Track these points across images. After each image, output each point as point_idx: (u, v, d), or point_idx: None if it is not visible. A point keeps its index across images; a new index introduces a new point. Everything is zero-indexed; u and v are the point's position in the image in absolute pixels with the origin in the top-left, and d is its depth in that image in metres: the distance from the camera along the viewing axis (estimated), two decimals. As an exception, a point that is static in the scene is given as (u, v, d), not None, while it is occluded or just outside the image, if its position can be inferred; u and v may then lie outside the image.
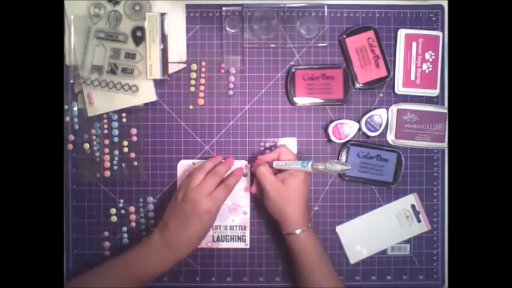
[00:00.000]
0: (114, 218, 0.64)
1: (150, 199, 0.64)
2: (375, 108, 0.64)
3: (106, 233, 0.64)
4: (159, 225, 0.57)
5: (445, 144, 0.63)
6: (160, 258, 0.55)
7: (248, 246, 0.64)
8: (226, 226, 0.64)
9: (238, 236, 0.64)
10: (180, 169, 0.63)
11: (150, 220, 0.64)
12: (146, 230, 0.64)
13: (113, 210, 0.63)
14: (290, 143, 0.63)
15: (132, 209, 0.64)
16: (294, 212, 0.55)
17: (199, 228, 0.55)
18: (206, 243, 0.63)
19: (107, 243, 0.63)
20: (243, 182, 0.63)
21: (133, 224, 0.64)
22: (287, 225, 0.55)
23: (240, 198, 0.64)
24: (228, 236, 0.64)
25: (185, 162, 0.63)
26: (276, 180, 0.55)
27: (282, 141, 0.64)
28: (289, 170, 0.55)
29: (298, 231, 0.54)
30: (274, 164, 0.57)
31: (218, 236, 0.64)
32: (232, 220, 0.64)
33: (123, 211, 0.64)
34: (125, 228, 0.64)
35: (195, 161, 0.63)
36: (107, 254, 0.63)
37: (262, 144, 0.64)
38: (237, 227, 0.64)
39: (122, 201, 0.64)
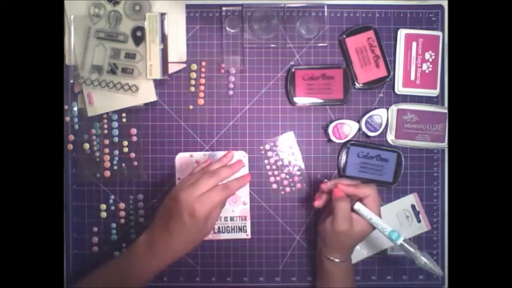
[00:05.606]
0: (103, 214, 0.63)
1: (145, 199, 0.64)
2: (375, 108, 0.64)
3: (106, 233, 0.64)
4: (149, 226, 0.53)
5: (445, 144, 0.63)
6: (144, 267, 0.50)
7: (249, 237, 0.64)
8: (226, 217, 0.63)
9: (239, 226, 0.64)
10: (178, 162, 0.63)
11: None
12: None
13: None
14: (289, 138, 0.64)
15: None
16: (346, 247, 0.56)
17: (181, 234, 0.49)
18: None
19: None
20: (242, 172, 0.63)
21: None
22: (333, 253, 0.56)
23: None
24: (229, 226, 0.64)
25: (183, 154, 0.63)
26: (351, 218, 0.53)
27: (281, 138, 0.64)
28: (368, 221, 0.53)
29: (337, 260, 0.55)
30: (357, 208, 0.54)
31: (219, 227, 0.63)
32: (232, 211, 0.63)
33: (120, 211, 0.64)
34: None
35: (192, 153, 0.63)
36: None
37: (261, 147, 0.64)
38: (238, 218, 0.64)
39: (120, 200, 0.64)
